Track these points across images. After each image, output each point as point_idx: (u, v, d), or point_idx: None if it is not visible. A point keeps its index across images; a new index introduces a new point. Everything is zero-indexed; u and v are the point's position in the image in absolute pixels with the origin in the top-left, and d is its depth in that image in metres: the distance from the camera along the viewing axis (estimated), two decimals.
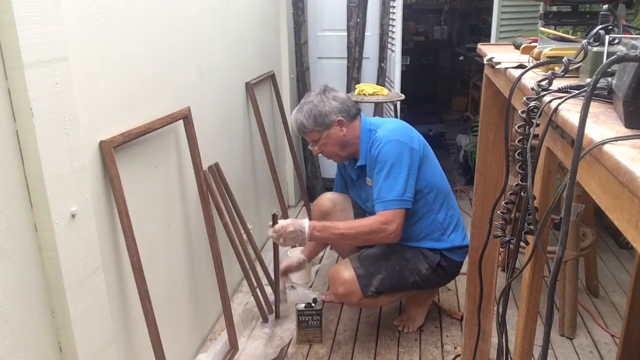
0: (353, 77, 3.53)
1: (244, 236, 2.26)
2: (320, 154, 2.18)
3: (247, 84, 2.58)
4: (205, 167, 2.00)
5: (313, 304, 2.15)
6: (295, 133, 2.21)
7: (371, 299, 2.06)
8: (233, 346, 2.04)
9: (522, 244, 0.95)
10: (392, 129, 2.03)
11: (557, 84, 0.83)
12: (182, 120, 1.83)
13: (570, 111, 0.71)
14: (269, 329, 2.23)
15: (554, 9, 1.26)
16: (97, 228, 1.37)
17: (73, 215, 1.21)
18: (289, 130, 3.12)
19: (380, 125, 2.08)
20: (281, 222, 1.95)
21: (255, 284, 2.26)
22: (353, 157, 2.16)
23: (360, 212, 2.25)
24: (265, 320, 2.27)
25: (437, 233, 2.09)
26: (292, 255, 2.62)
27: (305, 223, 1.93)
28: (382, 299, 2.12)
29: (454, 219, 2.13)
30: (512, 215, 1.07)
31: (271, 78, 3.01)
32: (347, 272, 2.04)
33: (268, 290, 2.36)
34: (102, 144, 1.40)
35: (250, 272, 2.23)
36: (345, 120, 2.06)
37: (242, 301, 2.42)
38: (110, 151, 1.41)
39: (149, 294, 1.54)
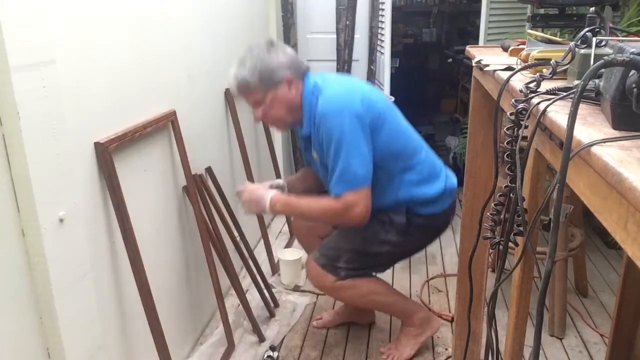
0: None
1: (237, 237, 2.26)
2: (263, 120, 1.92)
3: (226, 89, 2.49)
4: (197, 170, 1.99)
5: (272, 352, 2.09)
6: (234, 93, 1.88)
7: (349, 282, 1.94)
8: (230, 346, 2.03)
9: (512, 244, 0.95)
10: (334, 95, 1.76)
11: (545, 86, 0.84)
12: (173, 124, 1.83)
13: (558, 113, 0.72)
14: (260, 332, 2.22)
15: (542, 11, 1.27)
16: (92, 231, 1.37)
17: (61, 220, 1.20)
18: (270, 133, 3.05)
19: (324, 88, 1.79)
20: (247, 186, 1.91)
21: (245, 289, 2.25)
22: (299, 124, 1.91)
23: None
24: (255, 326, 2.26)
25: (405, 190, 1.88)
26: (284, 253, 2.62)
27: (268, 195, 1.83)
28: (362, 287, 1.97)
29: (423, 172, 1.90)
30: (502, 216, 1.08)
31: None
32: (311, 263, 1.98)
33: (257, 296, 2.35)
34: (96, 145, 1.40)
35: (240, 276, 2.22)
36: (295, 79, 1.80)
37: (233, 304, 2.41)
38: (105, 153, 1.41)
39: (152, 297, 1.53)
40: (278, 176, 3.05)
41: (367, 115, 1.74)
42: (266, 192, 1.85)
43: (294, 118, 1.87)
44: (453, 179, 1.99)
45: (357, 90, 1.80)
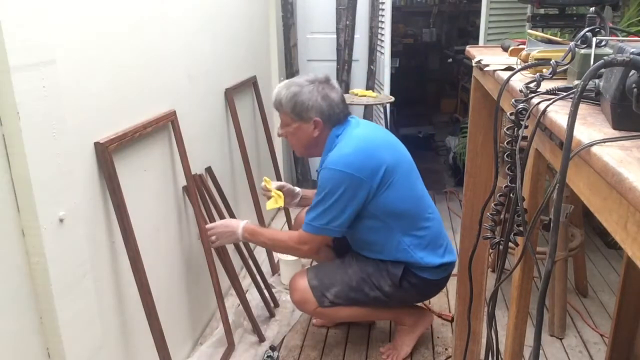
0: (342, 79, 3.54)
1: None
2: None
3: (226, 89, 2.53)
4: (197, 170, 1.99)
5: (272, 352, 2.09)
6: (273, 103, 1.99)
7: (330, 309, 1.98)
8: (230, 346, 2.03)
9: (512, 244, 0.95)
10: (345, 154, 1.81)
11: (545, 86, 0.84)
12: (173, 124, 1.83)
13: (558, 113, 0.72)
14: (260, 333, 2.23)
15: (542, 11, 1.27)
16: (92, 231, 1.37)
17: (61, 220, 1.20)
18: (270, 133, 3.06)
19: (342, 141, 1.87)
20: (214, 223, 1.99)
21: (245, 289, 2.25)
22: (317, 156, 2.01)
23: None
24: (255, 326, 2.26)
25: (405, 254, 1.93)
26: (284, 257, 2.62)
27: (240, 224, 1.95)
28: (344, 310, 2.00)
29: (424, 240, 1.94)
30: (502, 216, 1.08)
31: (253, 85, 2.96)
32: (301, 281, 1.99)
33: (257, 296, 2.35)
34: (96, 145, 1.40)
35: (240, 276, 2.22)
36: (323, 124, 1.89)
37: (233, 304, 2.41)
38: (105, 153, 1.41)
39: (152, 297, 1.53)
40: (278, 176, 3.05)
41: (372, 181, 1.81)
42: (236, 223, 1.96)
43: (310, 152, 2.01)
44: (452, 256, 2.01)
45: (374, 154, 1.84)
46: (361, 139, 1.88)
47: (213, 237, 1.95)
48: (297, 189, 2.24)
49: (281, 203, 2.05)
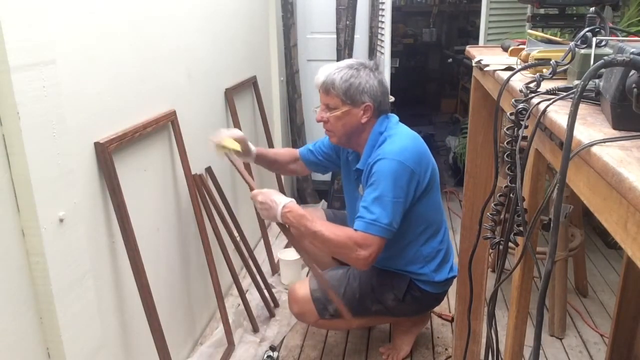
0: None
1: (237, 237, 2.26)
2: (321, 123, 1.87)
3: (226, 89, 2.55)
4: (197, 170, 1.99)
5: (272, 352, 2.09)
6: (317, 85, 1.85)
7: (329, 321, 1.93)
8: (230, 346, 2.03)
9: (512, 244, 0.95)
10: (401, 148, 1.74)
11: (545, 86, 0.84)
12: (173, 124, 1.83)
13: (558, 113, 0.72)
14: (260, 333, 2.22)
15: (542, 11, 1.27)
16: (92, 231, 1.37)
17: (61, 220, 1.20)
18: (270, 133, 3.06)
19: (393, 136, 1.79)
20: (259, 191, 1.77)
21: (245, 289, 2.25)
22: (355, 151, 1.94)
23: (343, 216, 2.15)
24: (255, 326, 2.26)
25: (417, 265, 1.91)
26: (284, 253, 2.61)
27: (282, 201, 1.73)
28: (342, 322, 1.94)
29: (440, 254, 1.93)
30: (502, 216, 1.08)
31: (253, 85, 2.96)
32: (302, 291, 1.92)
33: (257, 296, 2.35)
34: (96, 145, 1.40)
35: (240, 276, 2.22)
36: (372, 110, 1.81)
37: (233, 304, 2.41)
38: (105, 153, 1.41)
39: (152, 297, 1.53)
40: (277, 176, 3.04)
41: (423, 180, 1.77)
42: (277, 198, 1.74)
43: (348, 141, 1.88)
44: (455, 271, 1.97)
45: (425, 153, 1.83)
46: (412, 136, 1.84)
47: (259, 209, 1.78)
48: (253, 148, 2.03)
49: (234, 147, 1.83)
